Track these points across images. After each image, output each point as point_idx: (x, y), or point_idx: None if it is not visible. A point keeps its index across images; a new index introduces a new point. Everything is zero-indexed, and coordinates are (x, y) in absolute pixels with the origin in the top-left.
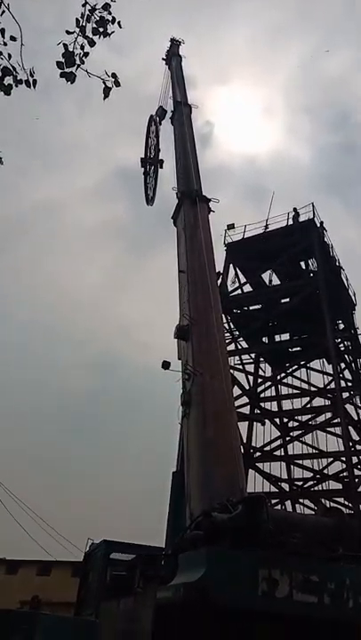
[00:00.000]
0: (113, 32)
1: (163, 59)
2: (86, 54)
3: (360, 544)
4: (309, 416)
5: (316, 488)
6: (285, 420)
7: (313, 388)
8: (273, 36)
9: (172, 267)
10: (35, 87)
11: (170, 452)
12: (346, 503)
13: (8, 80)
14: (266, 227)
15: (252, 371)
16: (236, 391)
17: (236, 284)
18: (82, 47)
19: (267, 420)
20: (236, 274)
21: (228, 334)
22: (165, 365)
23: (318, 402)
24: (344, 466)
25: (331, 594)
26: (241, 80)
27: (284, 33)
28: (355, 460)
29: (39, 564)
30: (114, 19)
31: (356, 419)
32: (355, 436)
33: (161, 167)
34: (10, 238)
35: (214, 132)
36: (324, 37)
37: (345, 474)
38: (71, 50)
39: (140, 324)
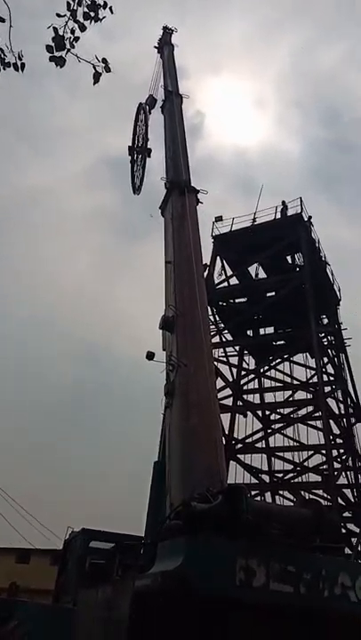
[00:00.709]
0: (104, 17)
1: (155, 47)
2: (77, 39)
3: (337, 536)
4: (291, 409)
5: (295, 480)
6: (267, 412)
7: (295, 382)
8: (267, 28)
9: (159, 256)
10: (23, 71)
11: (152, 442)
12: (325, 495)
13: None
14: (254, 220)
15: (236, 363)
16: (220, 383)
17: (223, 277)
18: (72, 31)
19: (249, 412)
20: (223, 266)
21: (213, 326)
22: (150, 356)
23: (300, 395)
24: (324, 459)
25: (307, 584)
26: (233, 72)
27: (279, 26)
28: (334, 453)
29: (18, 552)
30: (105, 3)
31: (336, 413)
32: (335, 430)
33: (149, 156)
34: None
35: (205, 122)
36: (317, 31)
37: (325, 467)
38: (61, 34)
39: (128, 313)
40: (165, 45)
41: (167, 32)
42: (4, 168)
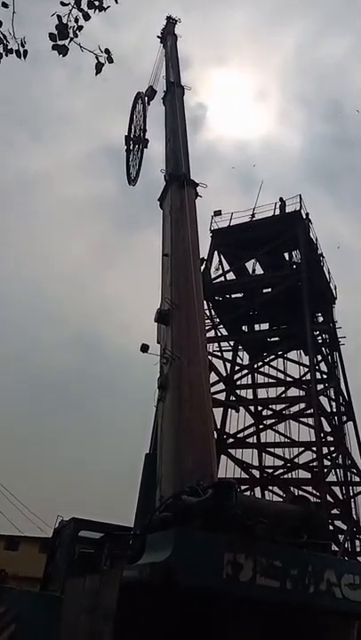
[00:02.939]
0: (109, 6)
1: (158, 37)
2: (80, 28)
3: (324, 532)
4: (283, 405)
5: (285, 476)
6: (260, 408)
7: (289, 379)
8: (271, 20)
9: (156, 246)
10: (25, 58)
11: (144, 434)
12: (314, 492)
13: None
14: (252, 215)
15: (230, 358)
16: (213, 377)
17: (220, 271)
18: (76, 20)
19: (241, 408)
20: (220, 261)
21: (208, 321)
22: (144, 348)
23: (293, 392)
24: (314, 456)
25: (293, 579)
26: (237, 63)
27: (283, 17)
28: (325, 450)
29: (7, 539)
30: None
31: (328, 410)
32: (326, 427)
33: (146, 147)
34: None
35: (207, 114)
36: (322, 24)
37: (315, 463)
38: (65, 22)
39: (121, 302)
40: (169, 35)
41: (171, 22)
42: (3, 153)
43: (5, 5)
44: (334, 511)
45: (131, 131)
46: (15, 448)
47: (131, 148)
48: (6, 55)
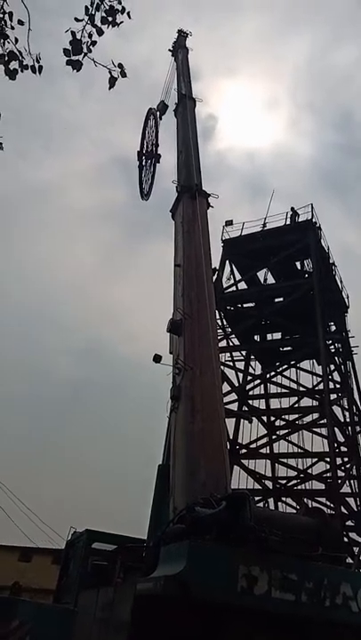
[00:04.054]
0: (122, 22)
1: (169, 50)
2: (94, 43)
3: (339, 545)
4: (296, 416)
5: (299, 487)
6: (272, 418)
7: (301, 389)
8: (282, 29)
9: (165, 256)
10: (40, 73)
11: (157, 445)
12: (328, 503)
13: (14, 65)
14: (264, 225)
15: (243, 368)
16: (226, 388)
17: (232, 281)
18: (90, 36)
19: (254, 418)
20: (232, 270)
21: (220, 331)
22: (157, 359)
23: (306, 402)
24: (328, 466)
25: (308, 592)
26: (247, 73)
27: (293, 26)
28: (339, 461)
29: (20, 550)
30: (123, 8)
31: (342, 420)
32: (340, 438)
33: (158, 162)
34: (6, 218)
35: (217, 125)
36: (332, 32)
37: (328, 474)
38: (79, 37)
39: (130, 311)
40: (180, 49)
41: (182, 35)
42: (16, 163)
43: (21, 23)
44: (349, 523)
45: (143, 146)
46: (30, 459)
47: (143, 163)
48: (22, 71)
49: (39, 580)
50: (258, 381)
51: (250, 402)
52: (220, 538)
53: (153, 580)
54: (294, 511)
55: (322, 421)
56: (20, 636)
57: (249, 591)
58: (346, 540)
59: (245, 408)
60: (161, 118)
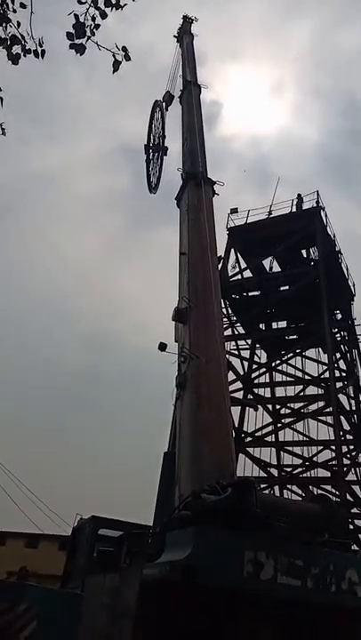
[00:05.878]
0: (125, 4)
1: (174, 36)
2: (97, 26)
3: (345, 531)
4: (302, 404)
5: (304, 475)
6: (278, 406)
7: (307, 377)
8: (287, 13)
9: (171, 244)
10: (43, 57)
11: (163, 433)
12: (333, 491)
13: (16, 49)
14: (269, 212)
15: (248, 356)
16: (231, 376)
17: (237, 269)
18: (93, 19)
19: (259, 406)
20: (237, 258)
21: (225, 319)
22: (162, 347)
23: (311, 390)
24: (333, 454)
25: (314, 578)
26: (252, 58)
27: (299, 11)
28: (344, 448)
29: (28, 537)
30: None
31: (347, 408)
32: (346, 426)
33: (165, 155)
34: (10, 207)
35: (222, 111)
36: (338, 17)
37: (334, 462)
38: (82, 20)
39: (136, 300)
40: (185, 35)
41: (187, 21)
42: (17, 150)
43: (23, 6)
44: (354, 510)
45: (150, 139)
46: (36, 447)
47: (150, 157)
48: (24, 56)
49: (46, 566)
50: (263, 370)
51: (255, 390)
52: (226, 524)
53: (159, 566)
54: (300, 499)
55: (327, 409)
56: (27, 619)
57: (255, 577)
58: (351, 527)
59: (251, 396)
60: (167, 109)
